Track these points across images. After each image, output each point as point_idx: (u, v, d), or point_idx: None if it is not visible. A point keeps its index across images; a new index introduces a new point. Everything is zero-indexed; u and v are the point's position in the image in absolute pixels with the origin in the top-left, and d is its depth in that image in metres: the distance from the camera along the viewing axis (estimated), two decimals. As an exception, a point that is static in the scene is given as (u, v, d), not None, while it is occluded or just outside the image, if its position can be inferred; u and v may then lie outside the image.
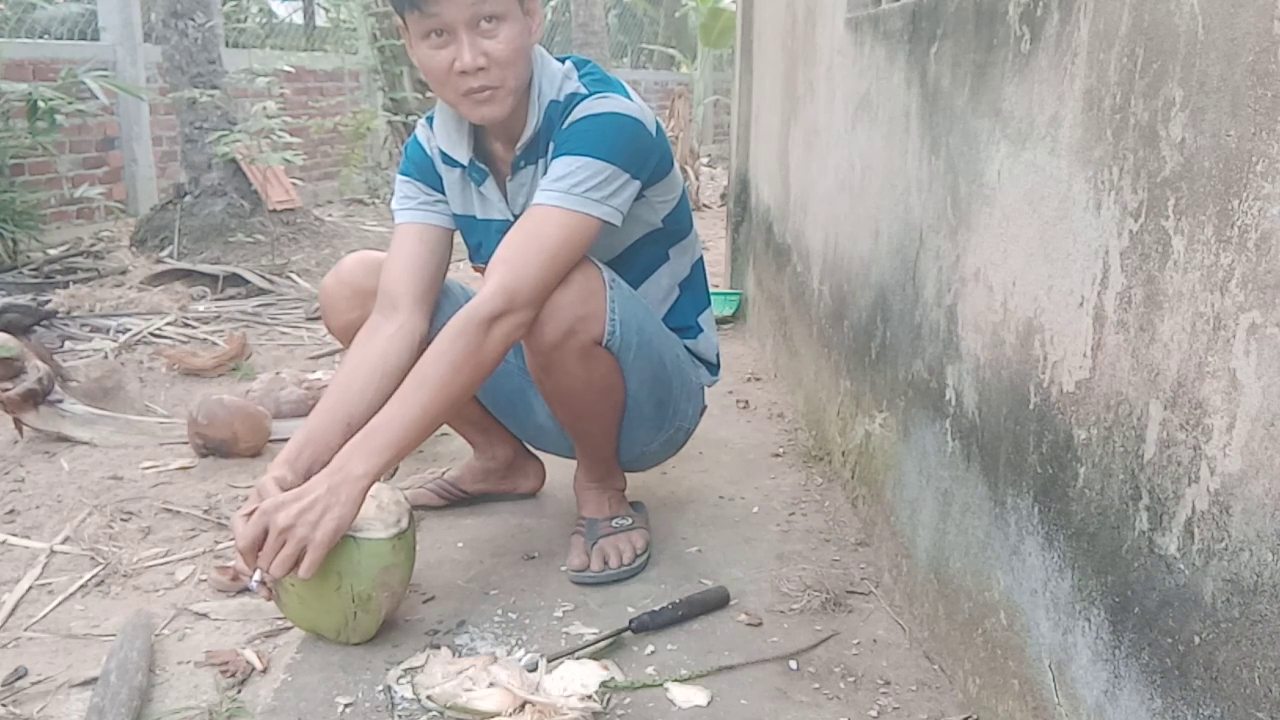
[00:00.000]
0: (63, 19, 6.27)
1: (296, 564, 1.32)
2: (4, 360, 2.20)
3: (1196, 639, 0.80)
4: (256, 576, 1.35)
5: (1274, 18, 0.71)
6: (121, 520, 1.86)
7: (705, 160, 8.77)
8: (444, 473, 1.98)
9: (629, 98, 1.56)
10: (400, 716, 1.28)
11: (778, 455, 2.26)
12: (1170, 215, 0.84)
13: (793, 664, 1.41)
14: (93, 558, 1.72)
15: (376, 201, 6.49)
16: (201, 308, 3.72)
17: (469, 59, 1.44)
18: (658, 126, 1.60)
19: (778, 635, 1.49)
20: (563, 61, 1.62)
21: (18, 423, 2.25)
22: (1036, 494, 1.10)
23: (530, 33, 1.52)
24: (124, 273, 4.12)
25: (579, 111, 1.52)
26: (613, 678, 1.34)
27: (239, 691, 1.33)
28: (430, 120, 1.69)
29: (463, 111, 1.53)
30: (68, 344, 3.13)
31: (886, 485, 1.69)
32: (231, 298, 3.88)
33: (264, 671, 1.38)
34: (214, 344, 3.19)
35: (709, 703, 1.32)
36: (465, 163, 1.63)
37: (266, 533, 1.32)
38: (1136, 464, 0.89)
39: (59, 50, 5.16)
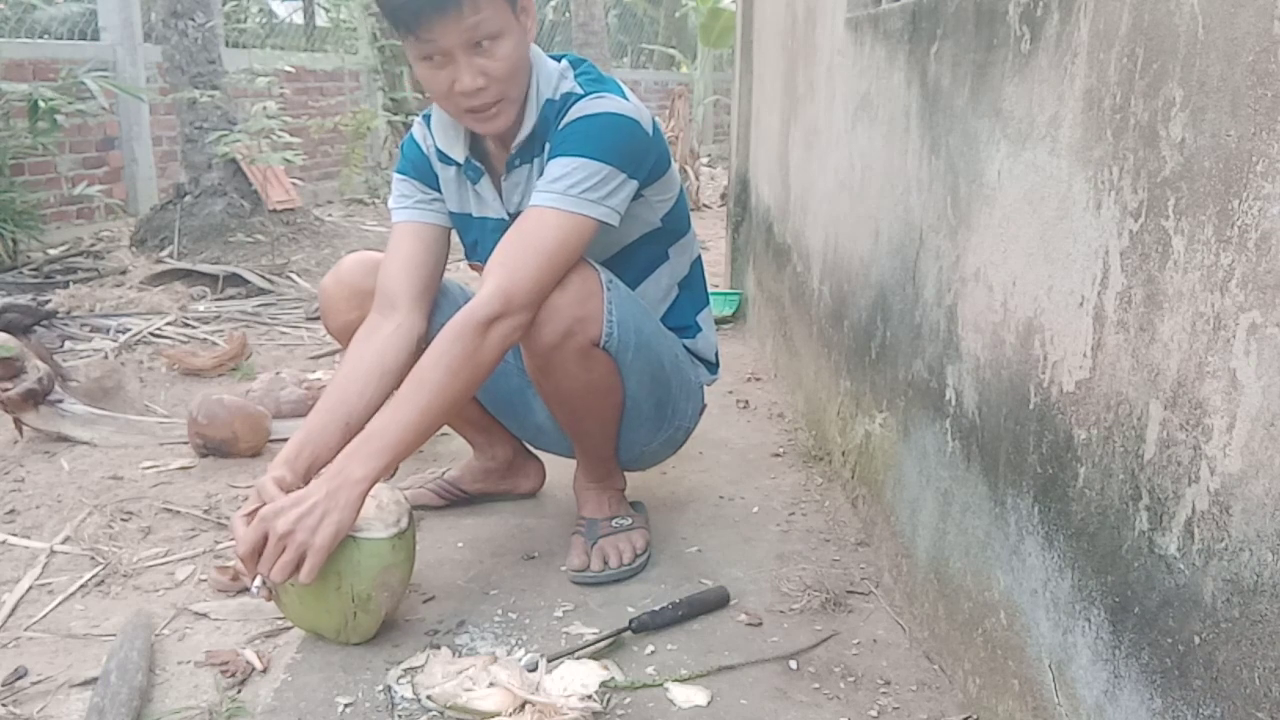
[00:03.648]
0: (63, 19, 6.27)
1: (297, 569, 1.32)
2: (4, 360, 2.20)
3: (1196, 639, 0.80)
4: (257, 581, 1.35)
5: (1274, 18, 0.71)
6: (121, 520, 1.86)
7: (705, 160, 8.77)
8: (444, 473, 1.98)
9: (625, 97, 1.56)
10: (400, 716, 1.28)
11: (778, 455, 2.26)
12: (1170, 215, 0.84)
13: (793, 664, 1.41)
14: (93, 558, 1.72)
15: (376, 201, 6.49)
16: (201, 308, 3.72)
17: (468, 82, 1.45)
18: (654, 126, 1.60)
19: (778, 635, 1.49)
20: (558, 60, 1.62)
21: (18, 423, 2.25)
22: (1036, 494, 1.10)
23: (525, 39, 1.51)
24: (124, 273, 4.12)
25: (575, 112, 1.52)
26: (613, 678, 1.34)
27: (239, 691, 1.34)
28: (427, 118, 1.69)
29: (468, 124, 1.55)
30: (68, 344, 3.14)
31: (886, 485, 1.69)
32: (231, 298, 3.88)
33: (264, 671, 1.38)
34: (214, 344, 3.19)
35: (709, 703, 1.32)
36: (461, 161, 1.63)
37: (266, 538, 1.32)
38: (1136, 464, 0.89)
39: (59, 50, 5.16)
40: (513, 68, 1.47)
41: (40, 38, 5.75)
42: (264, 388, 2.42)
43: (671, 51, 13.02)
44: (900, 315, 1.62)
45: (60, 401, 2.30)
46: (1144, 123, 0.88)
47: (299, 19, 10.25)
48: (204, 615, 1.53)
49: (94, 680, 1.32)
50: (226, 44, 5.57)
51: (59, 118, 4.29)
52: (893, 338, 1.66)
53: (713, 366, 1.85)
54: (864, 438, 1.84)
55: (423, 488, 1.93)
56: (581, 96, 1.54)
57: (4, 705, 1.30)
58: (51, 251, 4.48)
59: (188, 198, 4.64)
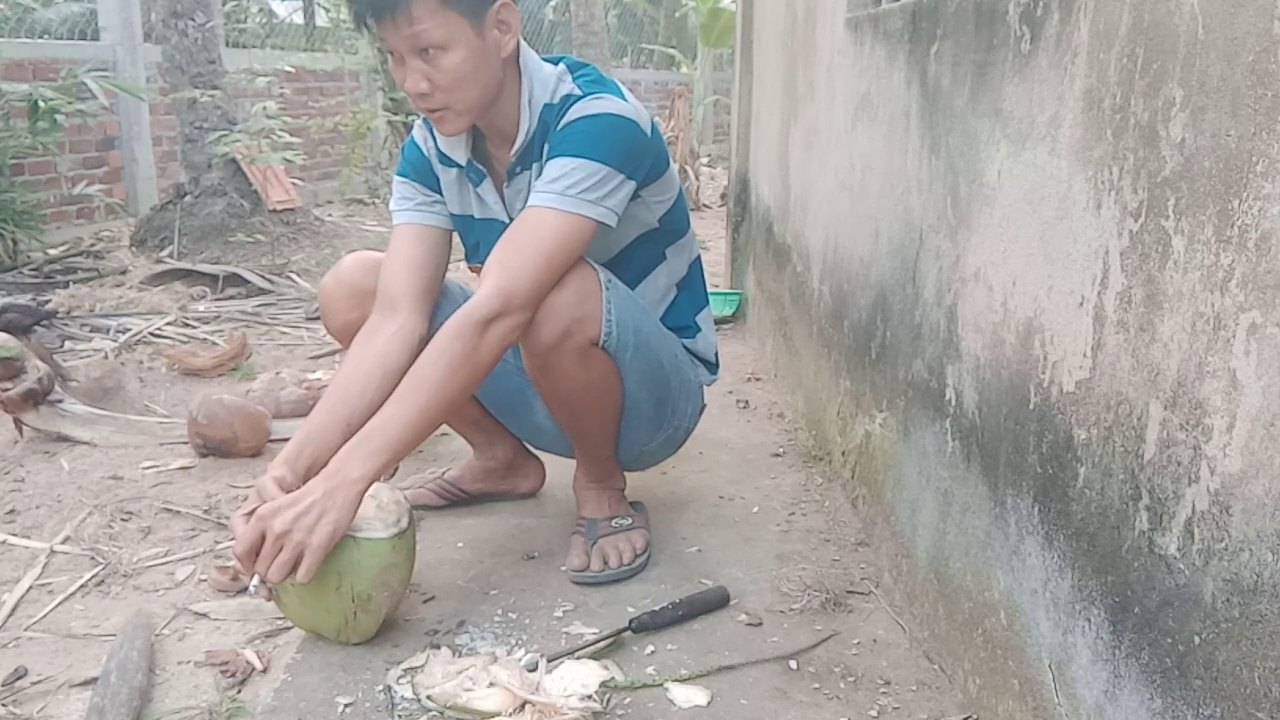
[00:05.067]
0: (63, 19, 6.27)
1: (294, 568, 1.32)
2: (4, 360, 2.20)
3: (1196, 639, 0.80)
4: (255, 580, 1.35)
5: (1274, 18, 0.71)
6: (121, 520, 1.86)
7: (705, 160, 8.77)
8: (444, 473, 1.98)
9: (624, 98, 1.56)
10: (400, 716, 1.28)
11: (778, 455, 2.26)
12: (1170, 215, 0.84)
13: (793, 664, 1.41)
14: (93, 558, 1.72)
15: (376, 201, 6.49)
16: (201, 308, 3.72)
17: (410, 84, 1.47)
18: (653, 126, 1.60)
19: (778, 635, 1.49)
20: (555, 63, 1.62)
21: (18, 423, 2.25)
22: (1036, 494, 1.10)
23: (488, 53, 1.49)
24: (124, 273, 4.12)
25: (573, 113, 1.52)
26: (613, 678, 1.34)
27: (239, 691, 1.34)
28: (428, 121, 1.69)
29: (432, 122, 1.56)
30: (68, 344, 3.13)
31: (886, 485, 1.69)
32: (231, 298, 3.88)
33: (264, 671, 1.38)
34: (214, 344, 3.19)
35: (709, 703, 1.32)
36: (463, 163, 1.63)
37: (264, 537, 1.32)
38: (1136, 464, 0.89)
39: (59, 50, 5.16)
40: (458, 80, 1.47)
41: (40, 38, 5.74)
42: (264, 388, 2.42)
43: (671, 51, 13.01)
44: (900, 315, 1.62)
45: (60, 401, 2.30)
46: (1144, 123, 0.89)
47: (299, 19, 10.24)
48: (204, 615, 1.53)
49: (94, 680, 1.32)
50: (226, 44, 5.57)
51: (59, 118, 4.28)
52: (893, 338, 1.66)
53: (712, 367, 1.85)
54: (864, 438, 1.84)
55: (423, 488, 1.93)
56: (580, 97, 1.54)
57: (4, 705, 1.30)
58: (51, 251, 4.48)
59: (188, 198, 4.63)
